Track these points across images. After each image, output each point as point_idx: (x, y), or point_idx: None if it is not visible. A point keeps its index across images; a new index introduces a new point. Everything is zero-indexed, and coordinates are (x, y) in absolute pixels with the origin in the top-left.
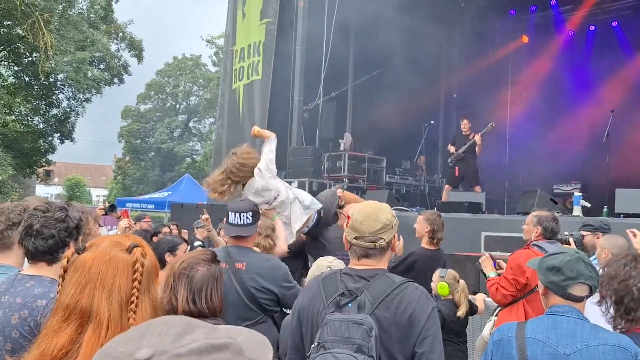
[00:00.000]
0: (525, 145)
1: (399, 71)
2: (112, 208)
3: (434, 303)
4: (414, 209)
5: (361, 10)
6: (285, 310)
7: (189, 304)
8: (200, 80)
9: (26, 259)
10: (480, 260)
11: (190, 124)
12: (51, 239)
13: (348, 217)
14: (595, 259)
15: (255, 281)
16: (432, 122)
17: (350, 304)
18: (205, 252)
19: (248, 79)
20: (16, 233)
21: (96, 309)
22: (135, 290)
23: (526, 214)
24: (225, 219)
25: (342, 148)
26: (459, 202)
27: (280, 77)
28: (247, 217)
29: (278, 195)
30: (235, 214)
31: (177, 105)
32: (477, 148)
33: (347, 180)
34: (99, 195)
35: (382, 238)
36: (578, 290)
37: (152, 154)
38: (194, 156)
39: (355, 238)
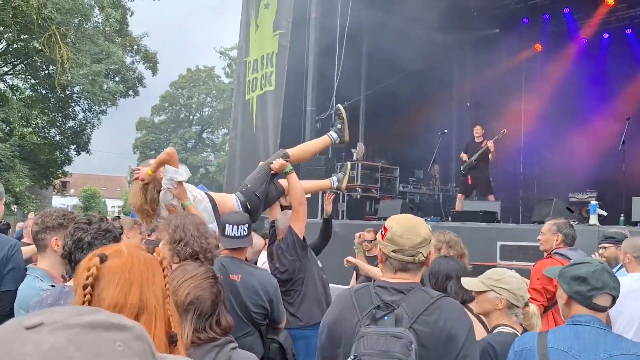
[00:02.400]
0: (540, 153)
1: (411, 80)
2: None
3: (471, 320)
4: (428, 219)
5: (373, 20)
6: (269, 324)
7: (196, 334)
8: (214, 92)
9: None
10: None
11: (204, 135)
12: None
13: (385, 229)
14: (619, 270)
15: (249, 294)
16: (446, 131)
17: (386, 317)
18: (208, 271)
19: (261, 89)
20: (49, 236)
21: (145, 303)
22: (167, 283)
23: (541, 222)
24: (218, 231)
25: (354, 158)
26: (473, 212)
27: (293, 87)
28: (243, 229)
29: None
30: (232, 226)
31: (191, 117)
32: (490, 155)
33: (360, 190)
34: (114, 206)
35: (420, 252)
36: (602, 300)
37: None
38: (207, 167)
39: (394, 251)
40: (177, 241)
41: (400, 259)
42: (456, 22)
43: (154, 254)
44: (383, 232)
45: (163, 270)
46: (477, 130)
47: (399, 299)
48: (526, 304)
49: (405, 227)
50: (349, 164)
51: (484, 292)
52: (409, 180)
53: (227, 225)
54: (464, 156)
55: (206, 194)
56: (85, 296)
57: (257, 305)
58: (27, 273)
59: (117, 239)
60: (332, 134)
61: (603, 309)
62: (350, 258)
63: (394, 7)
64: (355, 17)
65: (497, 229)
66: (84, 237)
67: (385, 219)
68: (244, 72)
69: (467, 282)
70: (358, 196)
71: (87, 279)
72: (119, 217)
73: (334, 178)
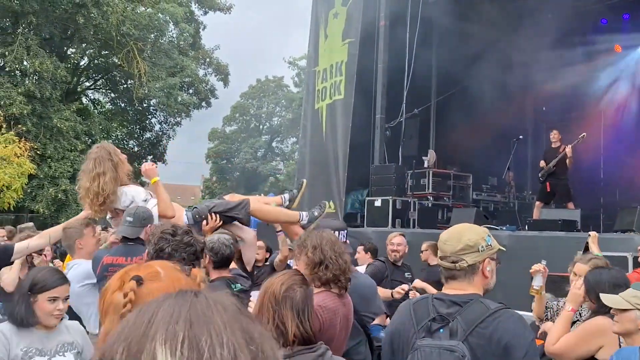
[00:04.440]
0: (622, 157)
1: (484, 85)
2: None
3: (533, 332)
4: (504, 227)
5: (443, 26)
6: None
7: (298, 327)
8: (283, 101)
9: None
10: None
11: (273, 144)
12: (181, 262)
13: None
14: None
15: (359, 300)
16: (521, 137)
17: (441, 330)
18: (296, 272)
19: (331, 98)
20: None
21: None
22: None
23: (625, 231)
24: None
25: (426, 165)
26: (552, 220)
27: (363, 95)
28: (343, 236)
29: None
30: (334, 232)
31: (261, 126)
32: (567, 161)
33: (431, 198)
34: None
35: (463, 259)
36: None
37: (237, 173)
38: (277, 175)
39: (441, 258)
40: (317, 264)
41: (444, 266)
42: (531, 24)
43: (191, 275)
44: None
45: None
46: (554, 136)
47: (455, 312)
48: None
49: (451, 233)
50: (304, 181)
51: (627, 310)
52: (483, 188)
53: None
54: (543, 163)
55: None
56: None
57: (367, 310)
58: None
59: (196, 254)
60: (304, 216)
61: None
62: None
63: (465, 11)
64: (426, 23)
65: (577, 239)
66: (165, 247)
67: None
68: (313, 81)
69: (608, 299)
70: (429, 204)
71: (125, 305)
72: None
73: (285, 196)
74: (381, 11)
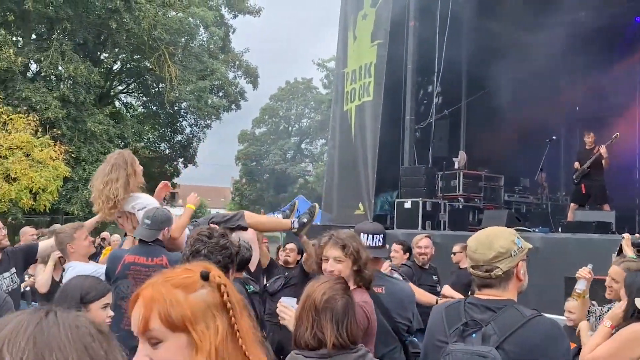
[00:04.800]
0: None
1: (515, 85)
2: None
3: (567, 340)
4: (536, 229)
5: (474, 25)
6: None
7: (337, 338)
8: (312, 103)
9: None
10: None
11: (302, 146)
12: (217, 264)
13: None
14: None
15: (395, 306)
16: (554, 137)
17: (474, 335)
18: (339, 280)
19: (359, 100)
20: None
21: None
22: (232, 317)
23: None
24: None
25: (456, 166)
26: (586, 222)
27: (392, 97)
28: (379, 240)
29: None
30: (367, 235)
31: (290, 128)
32: (603, 161)
33: (462, 200)
34: None
35: (498, 267)
36: None
37: (267, 175)
38: (306, 177)
39: (472, 267)
40: (362, 265)
41: (478, 275)
42: (563, 22)
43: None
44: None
45: (226, 308)
46: (588, 138)
47: (488, 317)
48: None
49: (480, 242)
50: (316, 205)
51: None
52: (515, 189)
53: (362, 234)
54: (577, 165)
55: None
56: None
57: (403, 317)
58: None
59: (231, 257)
60: (295, 222)
61: None
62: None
63: (496, 10)
64: (456, 23)
65: (612, 241)
66: (201, 249)
67: None
68: (342, 83)
69: None
70: (460, 206)
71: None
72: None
73: (295, 220)
74: (410, 12)
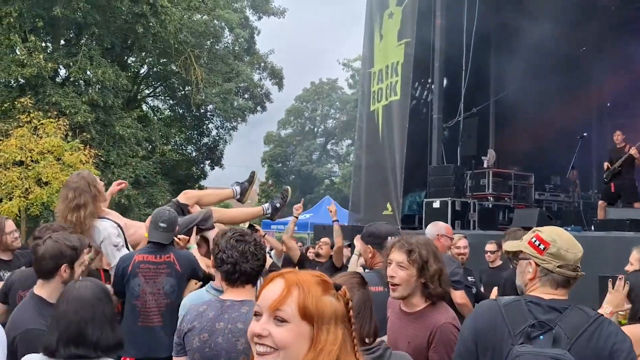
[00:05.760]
0: None
1: (545, 81)
2: (250, 227)
3: (630, 340)
4: (568, 228)
5: (502, 21)
6: None
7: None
8: (337, 103)
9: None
10: None
11: (328, 147)
12: (262, 260)
13: (544, 242)
14: None
15: None
16: (585, 134)
17: (541, 337)
18: (354, 275)
19: (386, 100)
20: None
21: None
22: (353, 332)
23: None
24: (374, 244)
25: (485, 165)
26: (619, 220)
27: (419, 96)
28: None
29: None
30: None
31: (315, 129)
32: (637, 161)
33: (492, 199)
34: None
35: (579, 267)
36: None
37: (293, 177)
38: (332, 178)
39: (560, 266)
40: (437, 276)
41: (565, 274)
42: (593, 17)
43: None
44: (541, 246)
45: (349, 322)
46: (618, 136)
47: (554, 318)
48: None
49: (569, 241)
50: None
51: None
52: (546, 188)
53: (390, 238)
54: (606, 165)
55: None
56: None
57: None
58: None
59: (262, 265)
60: (268, 208)
61: None
62: None
63: (524, 6)
64: (483, 20)
65: None
66: (247, 248)
67: (522, 229)
68: (369, 83)
69: None
70: (490, 205)
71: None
72: (252, 225)
73: (237, 189)
74: (437, 10)
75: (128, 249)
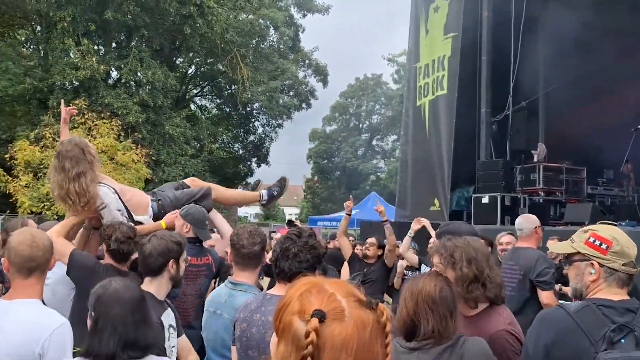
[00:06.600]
0: None
1: (596, 73)
2: (290, 223)
3: None
4: (623, 223)
5: (551, 13)
6: None
7: (435, 329)
8: (382, 99)
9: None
10: None
11: (373, 142)
12: (305, 262)
13: (607, 242)
14: None
15: None
16: None
17: (622, 340)
18: (438, 273)
19: (433, 94)
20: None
21: None
22: (387, 354)
23: None
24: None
25: (535, 159)
26: None
27: (466, 90)
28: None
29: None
30: None
31: (360, 125)
32: None
33: (542, 193)
34: (291, 213)
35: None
36: None
37: (338, 173)
38: (377, 173)
39: (624, 264)
40: (470, 281)
41: (630, 272)
42: None
43: (377, 311)
44: (603, 246)
45: (386, 337)
46: None
47: (631, 320)
48: None
49: (626, 238)
50: (287, 178)
51: None
52: (598, 182)
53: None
54: None
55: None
56: None
57: None
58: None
59: (319, 258)
60: (264, 195)
61: None
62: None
63: None
64: (532, 11)
65: None
66: (291, 247)
67: (573, 223)
68: (415, 77)
69: None
70: (541, 200)
71: (306, 347)
72: (291, 221)
73: (264, 193)
74: (484, 2)
75: (129, 214)
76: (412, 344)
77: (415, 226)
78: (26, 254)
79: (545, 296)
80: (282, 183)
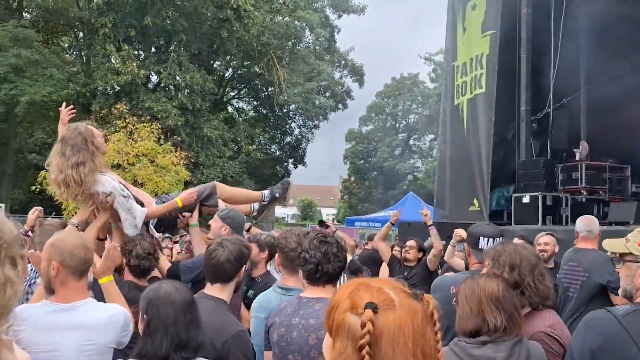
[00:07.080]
0: None
1: None
2: (321, 223)
3: None
4: None
5: (592, 8)
6: None
7: (504, 324)
8: (419, 98)
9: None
10: None
11: (410, 142)
12: (344, 261)
13: None
14: None
15: None
16: None
17: None
18: (496, 274)
19: (471, 93)
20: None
21: None
22: (438, 342)
23: None
24: (470, 244)
25: (577, 158)
26: None
27: (505, 88)
28: (496, 244)
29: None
30: (487, 239)
31: (397, 125)
32: None
33: (585, 192)
34: (328, 214)
35: None
36: None
37: (375, 173)
38: (415, 173)
39: None
40: (511, 286)
41: None
42: None
43: (423, 301)
44: None
45: (434, 325)
46: None
47: None
48: None
49: None
50: (291, 181)
51: None
52: None
53: (480, 237)
54: None
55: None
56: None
57: None
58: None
59: (345, 261)
60: (266, 195)
61: None
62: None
63: None
64: (572, 6)
65: None
66: (329, 250)
67: (617, 223)
68: (452, 76)
69: None
70: (583, 199)
71: (363, 336)
72: (323, 221)
73: (266, 193)
74: None
75: (135, 199)
76: (482, 338)
77: (456, 238)
78: (82, 257)
79: (619, 300)
80: (285, 185)
